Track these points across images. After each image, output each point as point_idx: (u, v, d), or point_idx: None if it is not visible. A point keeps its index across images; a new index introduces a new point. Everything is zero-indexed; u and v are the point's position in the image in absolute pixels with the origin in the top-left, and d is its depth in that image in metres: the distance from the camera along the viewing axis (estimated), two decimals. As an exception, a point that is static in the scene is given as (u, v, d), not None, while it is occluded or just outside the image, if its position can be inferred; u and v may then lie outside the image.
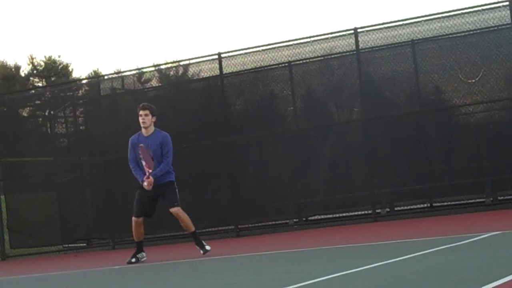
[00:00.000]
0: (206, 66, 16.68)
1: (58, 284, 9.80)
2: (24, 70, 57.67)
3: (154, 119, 10.99)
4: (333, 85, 16.36)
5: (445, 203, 15.26)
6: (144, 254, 11.17)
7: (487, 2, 14.40)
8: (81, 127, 19.08)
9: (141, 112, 10.88)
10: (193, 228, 11.02)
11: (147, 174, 10.77)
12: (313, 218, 16.34)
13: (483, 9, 14.43)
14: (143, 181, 10.78)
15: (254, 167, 16.43)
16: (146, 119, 10.87)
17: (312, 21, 75.27)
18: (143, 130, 11.00)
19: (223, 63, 16.08)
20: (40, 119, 20.79)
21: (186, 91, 17.52)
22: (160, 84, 18.50)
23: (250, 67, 16.13)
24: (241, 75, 16.43)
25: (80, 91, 20.45)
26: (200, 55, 19.00)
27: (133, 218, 11.00)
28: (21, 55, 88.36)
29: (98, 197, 17.52)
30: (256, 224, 16.14)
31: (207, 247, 10.93)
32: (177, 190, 10.96)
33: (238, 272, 8.31)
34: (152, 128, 11.01)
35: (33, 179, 17.96)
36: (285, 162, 15.96)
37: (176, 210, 10.86)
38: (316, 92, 16.61)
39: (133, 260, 11.01)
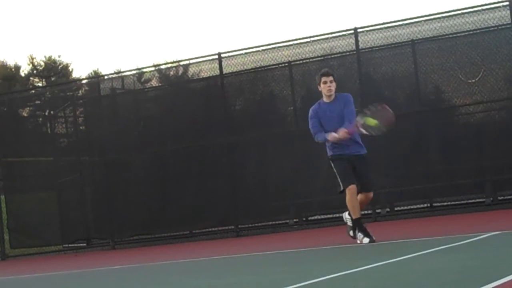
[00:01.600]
0: (206, 66, 16.69)
1: (58, 284, 9.80)
2: (24, 70, 57.70)
3: (335, 84, 10.20)
4: (333, 85, 16.34)
5: (445, 203, 15.25)
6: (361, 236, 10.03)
7: (487, 2, 14.41)
8: (81, 127, 19.08)
9: (325, 79, 10.09)
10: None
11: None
12: (313, 218, 16.33)
13: (483, 9, 14.43)
14: (329, 137, 9.88)
15: (254, 167, 16.42)
16: (331, 86, 10.12)
17: (312, 21, 75.30)
18: (324, 98, 10.21)
19: (223, 63, 16.09)
20: (40, 119, 20.80)
21: (186, 91, 17.52)
22: (160, 84, 18.51)
23: (250, 67, 16.13)
24: (241, 75, 16.43)
25: (80, 91, 20.45)
26: (200, 55, 19.01)
27: (346, 190, 9.97)
28: (21, 55, 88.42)
29: (98, 197, 17.52)
30: (256, 224, 16.14)
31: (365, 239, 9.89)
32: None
33: (238, 272, 8.31)
34: (334, 95, 10.24)
35: (33, 179, 17.97)
36: (285, 162, 15.96)
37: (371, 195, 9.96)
38: (316, 92, 16.53)
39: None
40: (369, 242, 9.79)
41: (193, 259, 10.89)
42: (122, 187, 17.02)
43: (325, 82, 10.13)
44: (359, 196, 10.07)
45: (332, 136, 9.92)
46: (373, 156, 15.15)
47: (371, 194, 10.16)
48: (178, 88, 17.80)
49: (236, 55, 16.18)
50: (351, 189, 9.97)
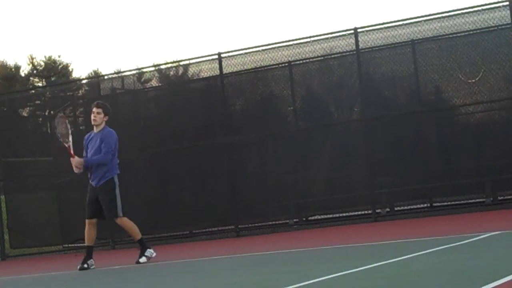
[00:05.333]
0: (206, 66, 16.68)
1: (58, 284, 9.80)
2: (24, 70, 57.73)
3: (106, 118, 11.05)
4: (333, 85, 16.37)
5: (445, 203, 15.26)
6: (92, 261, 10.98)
7: (487, 2, 14.41)
8: (81, 127, 19.06)
9: (94, 110, 11.02)
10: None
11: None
12: (313, 218, 16.34)
13: (483, 9, 14.43)
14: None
15: (254, 167, 16.42)
16: (97, 117, 11.00)
17: (312, 21, 75.30)
18: (94, 128, 11.11)
19: (223, 63, 16.08)
20: (40, 119, 20.81)
21: (186, 91, 17.52)
22: (160, 84, 18.50)
23: (250, 67, 16.13)
24: (241, 75, 16.43)
25: (80, 91, 20.48)
26: (200, 55, 19.00)
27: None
28: (21, 55, 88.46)
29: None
30: (256, 224, 16.14)
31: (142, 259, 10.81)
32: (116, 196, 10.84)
33: (238, 272, 8.30)
34: (102, 126, 11.04)
35: (33, 179, 17.95)
36: (285, 162, 15.96)
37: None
38: (316, 92, 16.61)
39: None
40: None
41: (193, 259, 10.89)
42: (122, 187, 16.97)
43: (92, 113, 11.08)
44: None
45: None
46: (373, 156, 15.22)
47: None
48: (178, 88, 17.80)
49: (236, 55, 16.18)
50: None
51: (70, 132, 11.16)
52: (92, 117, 11.03)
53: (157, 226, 16.52)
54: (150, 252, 10.86)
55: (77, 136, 18.90)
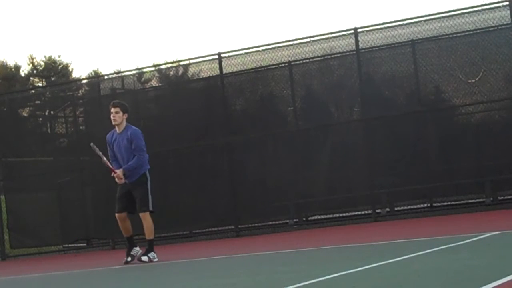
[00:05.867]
0: (206, 66, 16.69)
1: (58, 284, 9.80)
2: (24, 70, 57.67)
3: (125, 116, 11.03)
4: (333, 85, 16.37)
5: (445, 203, 15.26)
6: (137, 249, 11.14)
7: (487, 2, 14.41)
8: (81, 127, 19.07)
9: (112, 110, 10.99)
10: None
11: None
12: (313, 218, 16.34)
13: (483, 9, 14.43)
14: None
15: (254, 167, 16.42)
16: (116, 117, 10.96)
17: (312, 21, 75.28)
18: (116, 128, 11.12)
19: (223, 63, 16.09)
20: (40, 119, 20.80)
21: (186, 91, 17.52)
22: (160, 84, 18.50)
23: (250, 67, 16.14)
24: (241, 75, 16.43)
25: (80, 91, 20.45)
26: (200, 55, 19.00)
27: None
28: (21, 55, 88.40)
29: (98, 197, 17.50)
30: (256, 224, 16.14)
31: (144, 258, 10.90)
32: (148, 190, 10.97)
33: (238, 272, 8.30)
34: (124, 125, 11.05)
35: (33, 179, 17.95)
36: (285, 162, 15.96)
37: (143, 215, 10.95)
38: (316, 92, 16.61)
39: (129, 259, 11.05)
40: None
41: (193, 259, 10.89)
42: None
43: (111, 113, 11.04)
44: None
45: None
46: (373, 156, 15.22)
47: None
48: (178, 88, 17.80)
49: (236, 55, 16.19)
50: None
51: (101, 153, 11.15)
52: (112, 118, 10.98)
53: (157, 226, 16.47)
54: (153, 255, 10.90)
55: (77, 136, 18.99)
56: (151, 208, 10.91)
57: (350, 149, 15.67)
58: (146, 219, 10.92)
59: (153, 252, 10.92)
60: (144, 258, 10.80)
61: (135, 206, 10.99)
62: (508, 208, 13.99)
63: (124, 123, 11.03)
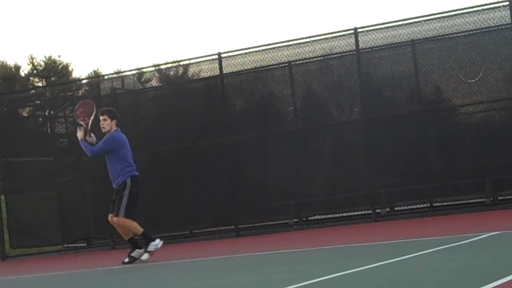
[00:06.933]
0: (206, 66, 16.69)
1: (58, 284, 9.80)
2: (24, 70, 57.66)
3: (114, 122, 11.09)
4: (333, 85, 16.37)
5: (445, 203, 15.26)
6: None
7: (487, 2, 14.41)
8: (81, 127, 19.04)
9: (100, 118, 11.08)
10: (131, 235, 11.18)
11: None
12: (313, 218, 16.34)
13: (483, 9, 14.43)
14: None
15: (254, 167, 16.42)
16: (104, 124, 11.05)
17: (312, 21, 75.28)
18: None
19: (223, 63, 16.09)
20: (40, 119, 20.79)
21: (186, 91, 17.52)
22: (160, 84, 18.50)
23: (250, 67, 16.14)
24: (241, 75, 16.43)
25: (80, 91, 20.44)
26: (200, 55, 19.00)
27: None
28: (21, 55, 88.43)
29: (98, 197, 17.49)
30: (256, 224, 16.15)
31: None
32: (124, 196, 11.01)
33: (238, 272, 8.31)
34: (112, 131, 11.12)
35: (33, 179, 17.95)
36: (285, 162, 15.96)
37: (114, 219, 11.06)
38: (316, 92, 16.61)
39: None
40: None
41: (193, 259, 10.89)
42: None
43: (100, 121, 11.14)
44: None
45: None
46: (373, 156, 15.22)
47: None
48: (178, 88, 17.80)
49: (236, 55, 16.19)
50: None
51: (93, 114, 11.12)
52: (100, 125, 11.11)
53: (157, 226, 16.51)
54: (138, 253, 10.95)
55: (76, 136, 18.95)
56: (121, 214, 10.96)
57: (350, 149, 15.67)
58: (115, 222, 11.06)
59: (137, 250, 10.98)
60: (144, 258, 10.85)
61: None
62: (508, 208, 13.99)
63: (114, 128, 11.08)
